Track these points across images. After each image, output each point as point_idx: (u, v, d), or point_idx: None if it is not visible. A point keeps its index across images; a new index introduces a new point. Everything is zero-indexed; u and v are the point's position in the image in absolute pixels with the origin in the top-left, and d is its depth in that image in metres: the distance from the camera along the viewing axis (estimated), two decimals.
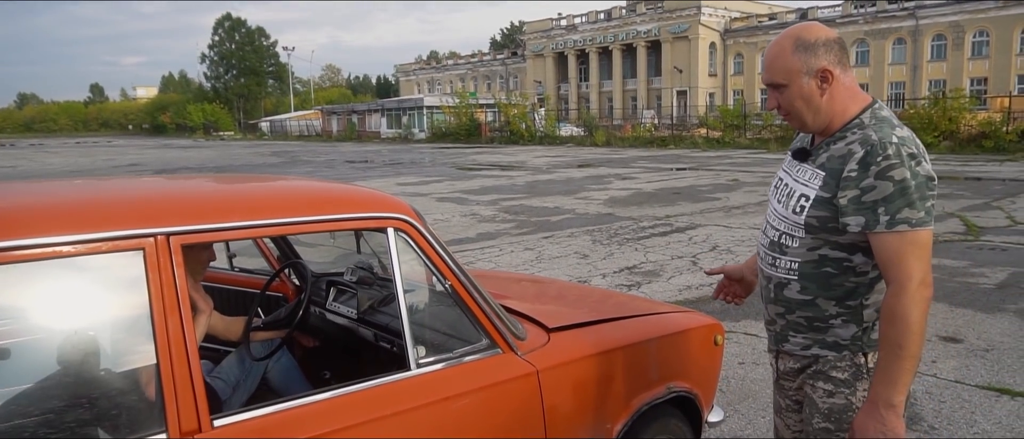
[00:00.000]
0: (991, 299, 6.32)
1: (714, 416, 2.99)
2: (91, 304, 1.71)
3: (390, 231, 2.04)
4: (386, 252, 2.05)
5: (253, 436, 1.67)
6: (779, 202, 2.00)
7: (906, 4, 53.74)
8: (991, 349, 5.01)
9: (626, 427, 2.50)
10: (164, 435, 1.58)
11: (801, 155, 1.98)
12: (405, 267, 2.06)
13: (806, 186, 1.91)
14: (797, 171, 1.97)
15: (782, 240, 1.98)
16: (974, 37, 51.82)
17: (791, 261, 1.96)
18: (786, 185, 2.00)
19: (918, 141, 1.84)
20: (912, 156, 1.76)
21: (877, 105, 1.90)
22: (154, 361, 1.59)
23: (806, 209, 1.89)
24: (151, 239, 1.63)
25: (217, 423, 1.65)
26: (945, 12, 52.10)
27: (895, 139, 1.77)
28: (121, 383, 1.70)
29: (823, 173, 1.87)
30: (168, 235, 1.65)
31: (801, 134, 2.06)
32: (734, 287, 2.40)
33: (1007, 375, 4.52)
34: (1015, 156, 23.89)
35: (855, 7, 57.01)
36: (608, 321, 2.66)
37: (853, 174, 1.79)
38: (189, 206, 1.82)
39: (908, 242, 1.74)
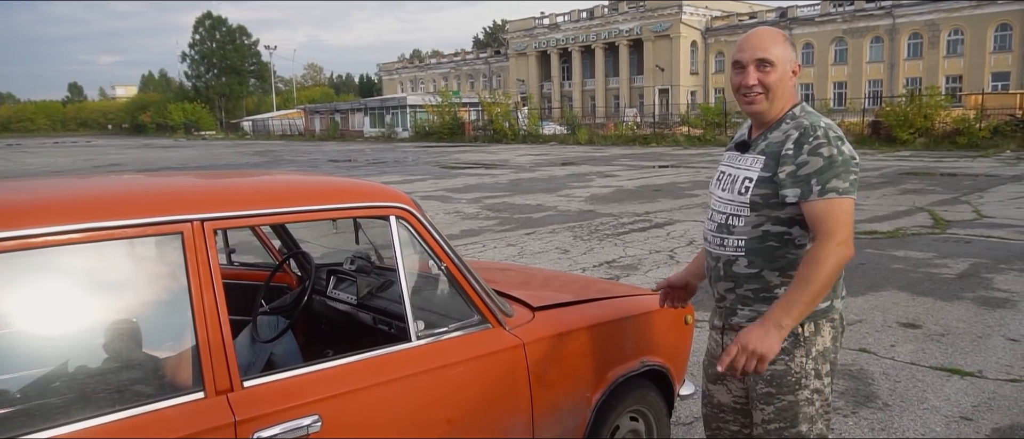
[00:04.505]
0: (951, 288, 6.67)
1: (685, 389, 3.26)
2: (137, 281, 1.96)
3: (392, 219, 2.30)
4: (384, 243, 2.31)
5: (277, 395, 1.93)
6: (723, 190, 2.30)
7: (883, 3, 54.56)
8: (947, 334, 5.34)
9: (604, 396, 2.78)
10: (202, 393, 1.83)
11: (742, 147, 2.30)
12: (405, 251, 2.32)
13: (748, 170, 2.22)
14: (738, 161, 2.29)
15: (729, 221, 2.26)
16: (949, 35, 52.74)
17: (738, 239, 2.24)
18: (729, 174, 2.30)
19: (840, 130, 2.17)
20: (838, 138, 2.12)
21: (804, 103, 2.26)
22: (192, 330, 1.84)
23: (751, 189, 2.19)
24: (188, 224, 1.88)
25: (247, 384, 1.90)
26: (921, 11, 52.98)
27: (823, 124, 2.13)
28: (164, 350, 1.95)
29: (763, 157, 2.19)
30: (202, 221, 1.91)
31: (739, 131, 2.39)
32: (677, 293, 2.73)
33: (960, 357, 4.84)
34: (988, 152, 24.50)
35: (834, 6, 57.77)
36: (587, 302, 2.94)
37: (789, 152, 2.12)
38: (219, 196, 2.07)
39: (835, 207, 2.07)
